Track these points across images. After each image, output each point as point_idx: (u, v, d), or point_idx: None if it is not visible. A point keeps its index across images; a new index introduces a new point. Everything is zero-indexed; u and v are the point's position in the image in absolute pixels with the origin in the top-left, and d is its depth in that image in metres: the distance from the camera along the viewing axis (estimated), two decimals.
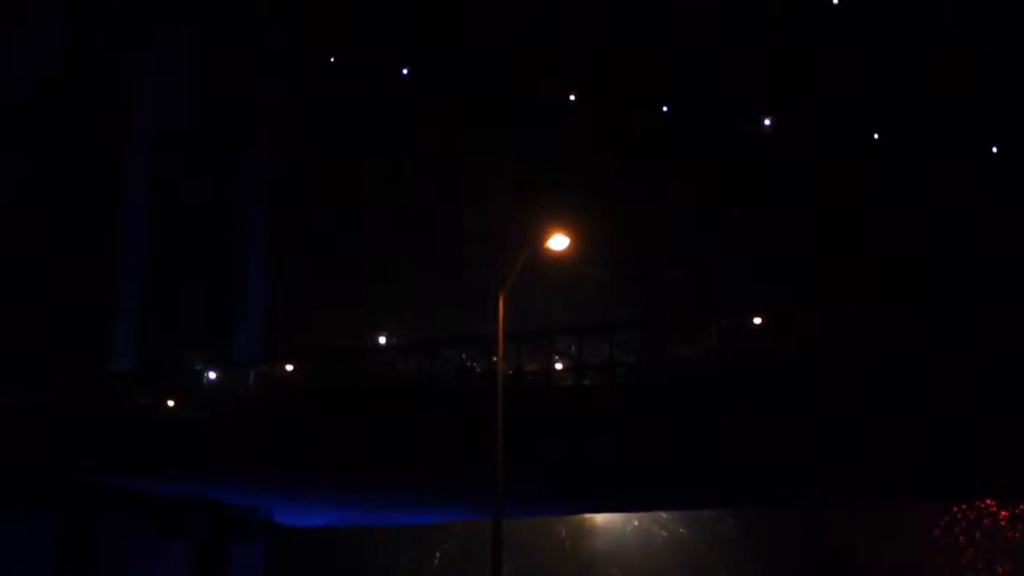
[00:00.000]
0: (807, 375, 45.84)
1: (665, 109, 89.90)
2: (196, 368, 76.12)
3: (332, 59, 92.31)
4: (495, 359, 40.55)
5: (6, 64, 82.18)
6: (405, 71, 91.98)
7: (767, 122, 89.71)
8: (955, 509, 75.51)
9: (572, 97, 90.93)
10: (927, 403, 43.12)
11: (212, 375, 74.64)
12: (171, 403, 66.70)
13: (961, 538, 75.17)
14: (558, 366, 54.43)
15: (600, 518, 78.80)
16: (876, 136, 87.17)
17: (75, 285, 79.07)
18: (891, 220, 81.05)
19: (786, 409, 45.82)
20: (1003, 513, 75.22)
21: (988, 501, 74.24)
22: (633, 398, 49.68)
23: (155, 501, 60.31)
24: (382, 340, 79.80)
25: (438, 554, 76.43)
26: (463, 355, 56.62)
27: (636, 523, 79.77)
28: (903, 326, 46.07)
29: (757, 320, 51.25)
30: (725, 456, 47.88)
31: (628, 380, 51.64)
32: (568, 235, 38.90)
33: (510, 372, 48.65)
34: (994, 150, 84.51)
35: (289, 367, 69.63)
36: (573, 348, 53.06)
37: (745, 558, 78.15)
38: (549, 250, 39.19)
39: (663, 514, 78.44)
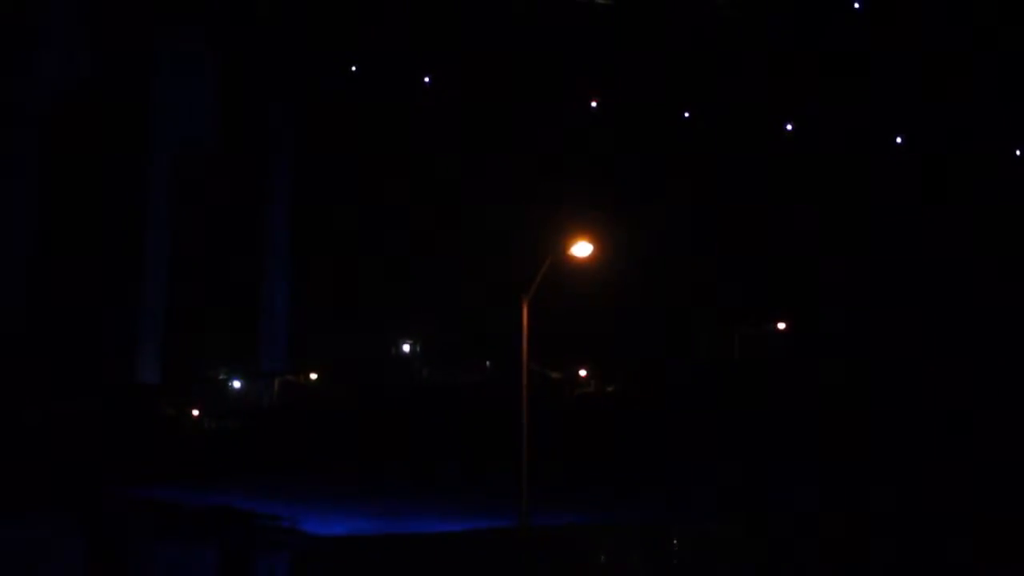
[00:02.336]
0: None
1: (687, 115, 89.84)
2: (220, 378, 76.50)
3: (353, 68, 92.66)
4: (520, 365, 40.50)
5: (33, 77, 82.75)
6: (427, 79, 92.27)
7: (788, 127, 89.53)
8: None
9: (593, 104, 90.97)
10: None
11: (237, 384, 74.97)
12: (196, 413, 66.96)
13: None
14: (581, 373, 54.52)
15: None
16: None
17: (101, 297, 79.50)
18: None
19: None
20: None
21: None
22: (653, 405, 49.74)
23: (181, 511, 60.46)
24: (406, 348, 79.93)
25: (466, 562, 76.20)
26: (487, 362, 56.79)
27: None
28: None
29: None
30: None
31: (648, 389, 51.73)
32: (591, 242, 38.80)
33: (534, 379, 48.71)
34: None
35: (313, 376, 69.92)
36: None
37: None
38: (573, 257, 39.09)
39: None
